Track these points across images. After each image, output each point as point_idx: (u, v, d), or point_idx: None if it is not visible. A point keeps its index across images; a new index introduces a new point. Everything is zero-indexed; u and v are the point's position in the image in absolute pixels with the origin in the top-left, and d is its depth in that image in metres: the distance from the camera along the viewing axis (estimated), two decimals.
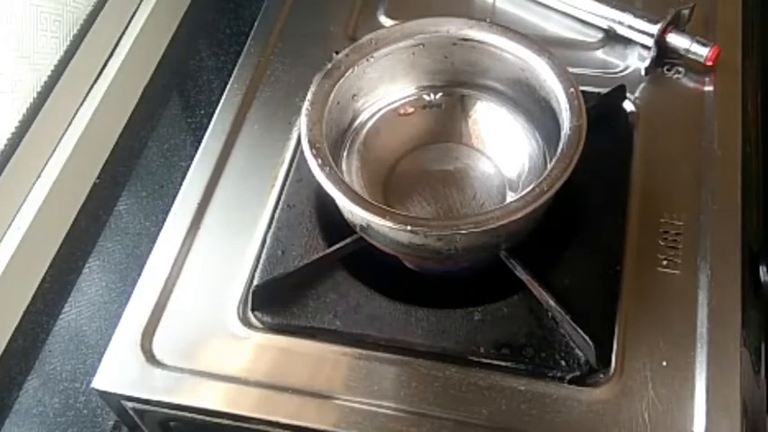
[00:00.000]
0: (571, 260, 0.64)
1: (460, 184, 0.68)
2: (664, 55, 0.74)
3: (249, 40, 0.81)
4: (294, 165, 0.72)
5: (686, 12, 0.75)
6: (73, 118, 0.78)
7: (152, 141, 0.82)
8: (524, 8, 0.81)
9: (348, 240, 0.64)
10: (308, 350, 0.62)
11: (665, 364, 0.59)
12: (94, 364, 0.62)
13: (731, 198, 0.66)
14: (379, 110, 0.70)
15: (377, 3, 0.83)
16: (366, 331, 0.62)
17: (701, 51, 0.73)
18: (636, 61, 0.76)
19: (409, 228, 0.57)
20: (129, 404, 0.61)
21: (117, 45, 0.83)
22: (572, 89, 0.62)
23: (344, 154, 0.68)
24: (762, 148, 0.72)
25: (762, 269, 0.64)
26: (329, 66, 0.66)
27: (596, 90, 0.72)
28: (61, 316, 0.71)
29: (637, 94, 0.73)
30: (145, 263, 0.67)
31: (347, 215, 0.63)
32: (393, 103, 0.70)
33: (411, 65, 0.68)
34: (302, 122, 0.62)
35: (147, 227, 0.76)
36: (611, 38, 0.77)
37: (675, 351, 0.59)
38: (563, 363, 0.59)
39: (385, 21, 0.81)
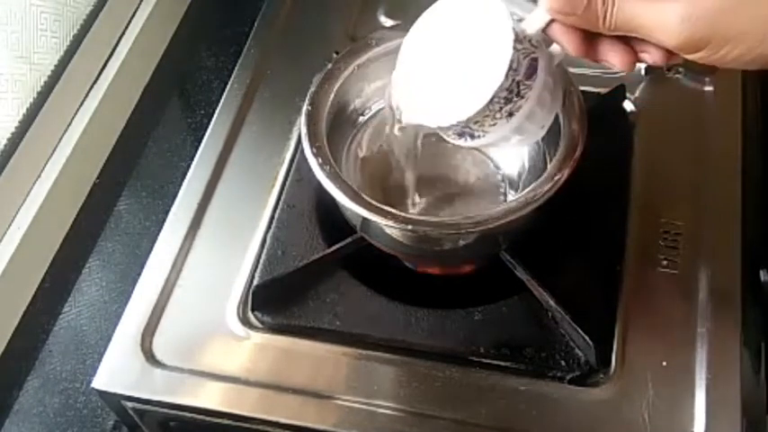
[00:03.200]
0: (571, 260, 0.64)
1: (461, 184, 0.68)
2: None
3: (249, 40, 0.81)
4: (294, 165, 0.72)
5: None
6: (73, 118, 0.78)
7: (152, 141, 0.82)
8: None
9: (348, 240, 0.64)
10: (308, 350, 0.62)
11: (665, 364, 0.59)
12: (94, 364, 0.62)
13: (731, 198, 0.66)
14: (380, 110, 0.70)
15: (377, 3, 0.83)
16: (366, 331, 0.62)
17: None
18: None
19: (409, 227, 0.57)
20: (129, 404, 0.61)
21: (117, 45, 0.82)
22: (572, 89, 0.62)
23: (344, 154, 0.68)
24: (762, 148, 0.72)
25: (762, 269, 0.64)
26: (329, 66, 0.66)
27: (596, 90, 0.72)
28: (61, 316, 0.71)
29: (637, 94, 0.73)
30: (145, 263, 0.67)
31: (347, 215, 0.63)
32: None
33: None
34: (302, 122, 0.62)
35: (147, 227, 0.76)
36: None
37: (675, 351, 0.59)
38: (563, 363, 0.59)
39: (385, 21, 0.81)
